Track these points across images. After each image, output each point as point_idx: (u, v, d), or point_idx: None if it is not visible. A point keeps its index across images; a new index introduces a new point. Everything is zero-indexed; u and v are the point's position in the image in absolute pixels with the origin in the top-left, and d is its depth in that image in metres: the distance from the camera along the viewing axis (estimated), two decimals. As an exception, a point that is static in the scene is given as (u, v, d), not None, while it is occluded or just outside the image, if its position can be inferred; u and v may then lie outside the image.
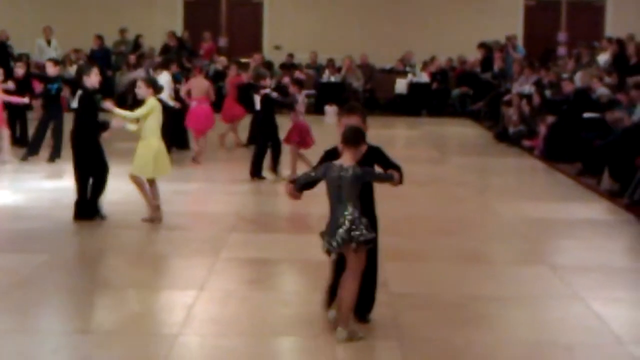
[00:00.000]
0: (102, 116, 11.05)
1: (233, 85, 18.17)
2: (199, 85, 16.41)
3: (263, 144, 14.17)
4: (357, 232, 6.69)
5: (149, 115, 10.71)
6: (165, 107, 16.07)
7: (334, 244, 6.72)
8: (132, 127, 10.81)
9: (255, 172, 14.08)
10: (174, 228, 10.75)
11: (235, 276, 8.86)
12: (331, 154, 7.10)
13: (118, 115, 11.03)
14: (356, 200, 6.77)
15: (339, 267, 7.01)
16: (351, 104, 7.63)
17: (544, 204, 12.79)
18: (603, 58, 21.11)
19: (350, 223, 6.68)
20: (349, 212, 6.71)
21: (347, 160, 6.83)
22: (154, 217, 10.83)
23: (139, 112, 10.76)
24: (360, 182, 6.80)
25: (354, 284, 6.81)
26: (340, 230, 6.67)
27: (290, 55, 26.23)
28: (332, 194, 6.83)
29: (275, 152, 14.16)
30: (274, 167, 14.10)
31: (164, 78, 16.15)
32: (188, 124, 16.49)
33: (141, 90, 10.86)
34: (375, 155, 7.17)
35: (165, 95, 16.04)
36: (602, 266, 9.35)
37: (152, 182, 10.91)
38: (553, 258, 9.78)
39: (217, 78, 23.04)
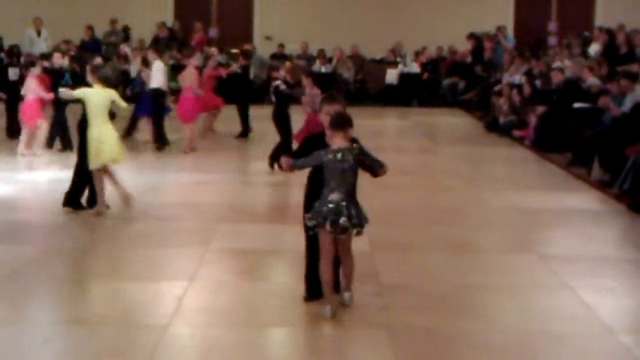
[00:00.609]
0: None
1: (210, 77, 18.16)
2: (188, 75, 16.34)
3: (287, 138, 13.91)
4: (356, 221, 7.11)
5: (86, 104, 10.62)
6: (160, 94, 16.21)
7: (329, 224, 7.04)
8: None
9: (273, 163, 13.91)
10: (164, 219, 10.74)
11: (225, 267, 8.87)
12: (314, 140, 7.40)
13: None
14: (355, 184, 7.16)
15: (313, 254, 7.34)
16: (332, 93, 7.89)
17: (534, 193, 12.81)
18: (594, 48, 21.12)
19: (351, 210, 7.08)
20: (349, 200, 7.09)
21: (341, 144, 7.12)
22: (126, 203, 10.87)
23: (76, 92, 10.76)
24: (360, 164, 7.17)
25: (351, 259, 7.33)
26: (343, 218, 7.04)
27: (281, 46, 26.21)
28: (331, 177, 7.09)
29: (283, 145, 13.95)
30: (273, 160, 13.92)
31: (157, 66, 16.20)
32: (178, 113, 16.41)
33: (89, 76, 10.88)
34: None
35: (161, 84, 16.09)
36: (592, 256, 9.38)
37: (105, 169, 10.87)
38: (543, 247, 9.81)
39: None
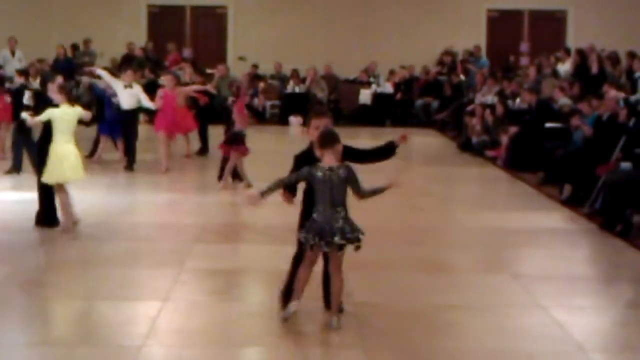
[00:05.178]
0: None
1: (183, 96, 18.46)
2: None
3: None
4: (351, 235, 7.20)
5: (52, 122, 10.60)
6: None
7: (323, 243, 7.12)
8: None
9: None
10: (137, 239, 10.72)
11: (200, 287, 8.86)
12: (303, 158, 7.44)
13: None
14: (345, 201, 7.21)
15: (296, 264, 7.45)
16: (319, 108, 8.00)
17: (506, 213, 12.88)
18: (562, 68, 21.31)
19: (345, 225, 7.17)
20: (342, 215, 7.19)
21: (330, 161, 7.18)
22: (66, 226, 10.80)
23: (41, 117, 10.71)
24: (348, 182, 7.22)
25: (341, 278, 7.35)
26: (337, 235, 7.11)
27: (255, 66, 26.26)
28: (321, 195, 7.14)
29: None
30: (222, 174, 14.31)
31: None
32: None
33: (56, 95, 10.82)
34: (349, 152, 7.50)
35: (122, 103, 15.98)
36: (564, 275, 9.45)
37: (61, 187, 10.83)
38: (515, 267, 9.87)
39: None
